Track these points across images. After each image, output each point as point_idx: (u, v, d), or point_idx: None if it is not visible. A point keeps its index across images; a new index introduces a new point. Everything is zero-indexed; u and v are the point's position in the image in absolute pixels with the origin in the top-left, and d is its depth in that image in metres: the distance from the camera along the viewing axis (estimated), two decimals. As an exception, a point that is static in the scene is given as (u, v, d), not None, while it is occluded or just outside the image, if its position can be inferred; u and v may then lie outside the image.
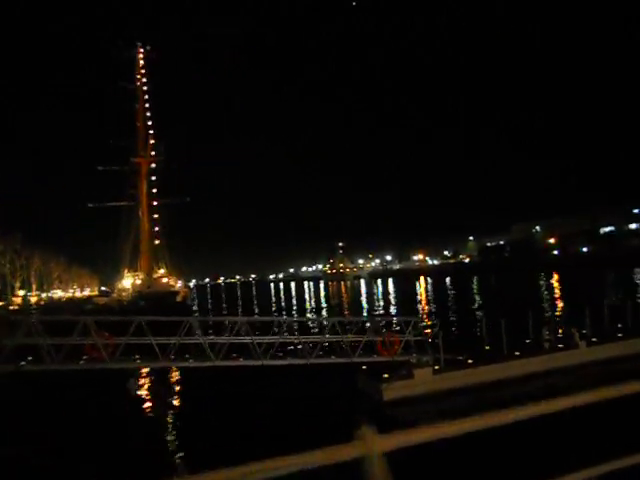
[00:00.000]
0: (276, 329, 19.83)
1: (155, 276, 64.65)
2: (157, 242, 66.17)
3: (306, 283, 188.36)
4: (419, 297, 71.56)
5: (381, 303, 66.07)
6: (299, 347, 19.23)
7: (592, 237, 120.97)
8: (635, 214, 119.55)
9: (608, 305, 23.64)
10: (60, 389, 18.85)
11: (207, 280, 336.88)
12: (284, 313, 59.06)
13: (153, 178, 66.06)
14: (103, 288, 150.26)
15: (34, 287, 72.70)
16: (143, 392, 21.55)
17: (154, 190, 66.51)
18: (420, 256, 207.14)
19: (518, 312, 25.40)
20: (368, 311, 54.65)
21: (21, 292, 70.00)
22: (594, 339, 20.13)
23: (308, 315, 54.13)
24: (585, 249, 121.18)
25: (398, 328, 22.08)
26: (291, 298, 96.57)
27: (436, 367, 17.99)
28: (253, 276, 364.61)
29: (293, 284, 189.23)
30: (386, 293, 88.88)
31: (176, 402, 19.28)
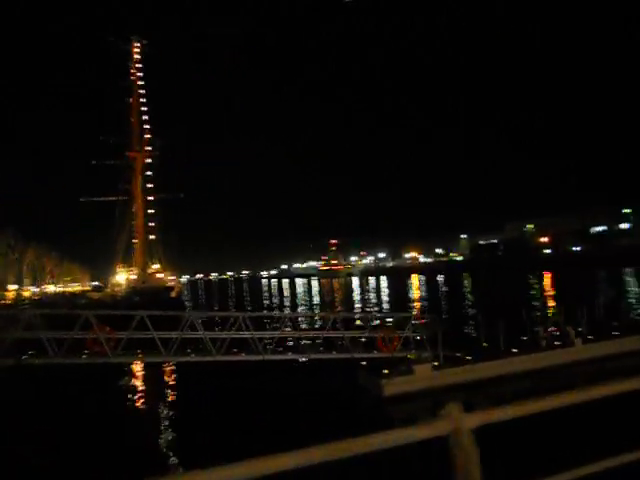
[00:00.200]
0: (277, 324, 19.93)
1: (149, 271, 64.50)
2: (152, 237, 65.98)
3: (298, 280, 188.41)
4: (412, 295, 71.86)
5: (373, 300, 66.27)
6: (302, 342, 19.31)
7: (583, 236, 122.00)
8: (626, 214, 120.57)
9: (603, 303, 23.98)
10: (59, 384, 18.88)
11: (199, 276, 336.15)
12: (275, 309, 59.16)
13: (148, 173, 65.88)
14: (95, 283, 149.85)
15: (27, 282, 72.35)
16: (142, 387, 21.55)
17: (149, 185, 66.33)
18: (413, 254, 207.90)
19: (512, 310, 25.69)
20: (361, 309, 54.80)
21: (12, 287, 69.66)
22: (590, 337, 20.39)
23: (306, 311, 54.15)
24: (576, 248, 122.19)
25: (390, 323, 22.30)
26: (283, 294, 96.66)
27: (435, 363, 18.15)
28: (245, 272, 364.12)
29: (286, 281, 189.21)
30: (378, 290, 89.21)
31: (176, 397, 19.24)
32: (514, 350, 19.30)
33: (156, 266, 67.22)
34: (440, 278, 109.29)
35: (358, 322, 20.38)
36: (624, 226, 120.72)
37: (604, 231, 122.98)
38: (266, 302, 74.54)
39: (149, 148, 64.69)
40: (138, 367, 23.36)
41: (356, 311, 48.62)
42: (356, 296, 77.69)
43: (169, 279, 64.46)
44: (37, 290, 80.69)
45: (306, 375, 19.12)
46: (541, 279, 76.73)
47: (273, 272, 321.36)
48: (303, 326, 22.24)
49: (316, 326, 26.05)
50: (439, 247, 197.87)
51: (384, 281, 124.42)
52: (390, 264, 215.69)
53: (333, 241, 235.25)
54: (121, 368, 22.86)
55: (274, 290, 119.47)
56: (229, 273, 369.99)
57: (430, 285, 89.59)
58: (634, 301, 38.70)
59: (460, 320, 32.89)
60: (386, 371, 17.57)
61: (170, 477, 1.58)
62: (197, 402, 17.61)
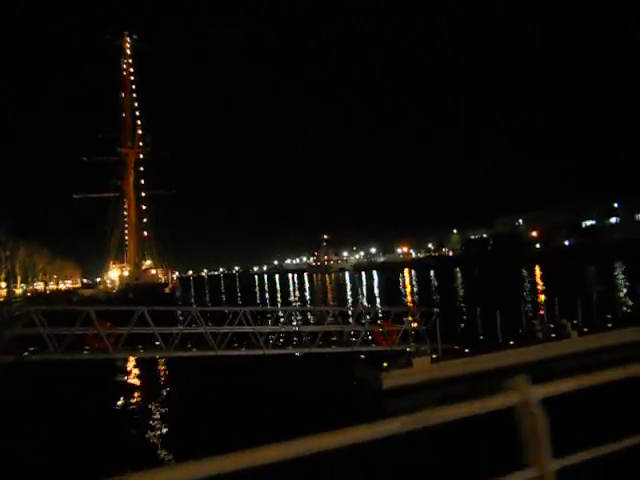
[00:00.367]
0: (282, 319, 20.02)
1: (143, 268, 64.23)
2: (146, 234, 65.69)
3: (290, 275, 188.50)
4: (405, 289, 72.19)
5: (366, 295, 66.51)
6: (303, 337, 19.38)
7: (574, 231, 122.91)
8: (616, 208, 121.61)
9: (596, 296, 24.26)
10: (57, 381, 18.85)
11: (190, 272, 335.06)
12: (267, 305, 59.22)
13: (141, 169, 65.55)
14: (85, 280, 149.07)
15: (19, 279, 71.90)
16: (140, 384, 21.53)
17: (142, 181, 65.96)
18: (404, 249, 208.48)
19: (505, 303, 25.94)
20: (356, 303, 54.98)
21: (2, 284, 69.13)
22: (585, 329, 20.66)
23: (298, 306, 54.25)
24: (567, 242, 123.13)
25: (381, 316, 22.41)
26: (275, 290, 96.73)
27: (434, 356, 18.32)
28: (237, 268, 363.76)
29: (277, 276, 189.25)
30: (370, 285, 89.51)
31: (175, 393, 19.21)
32: (511, 342, 19.52)
33: (148, 262, 66.95)
34: (432, 273, 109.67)
35: (352, 316, 20.44)
36: (614, 220, 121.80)
37: (594, 225, 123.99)
38: (258, 298, 74.69)
39: (141, 144, 64.38)
40: (136, 363, 23.35)
41: (354, 305, 48.80)
42: (348, 291, 77.89)
43: (163, 275, 64.17)
44: (28, 288, 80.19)
45: (305, 369, 19.23)
46: (532, 273, 77.28)
47: (265, 268, 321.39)
48: (301, 321, 22.30)
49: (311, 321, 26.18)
50: (430, 242, 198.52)
51: (376, 276, 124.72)
52: (381, 259, 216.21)
53: (325, 237, 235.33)
54: (118, 364, 22.87)
55: (266, 286, 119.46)
56: (220, 269, 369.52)
57: (422, 280, 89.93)
58: (625, 294, 39.12)
59: (455, 314, 33.13)
60: (385, 364, 17.72)
61: (158, 469, 1.50)
62: (196, 397, 17.64)
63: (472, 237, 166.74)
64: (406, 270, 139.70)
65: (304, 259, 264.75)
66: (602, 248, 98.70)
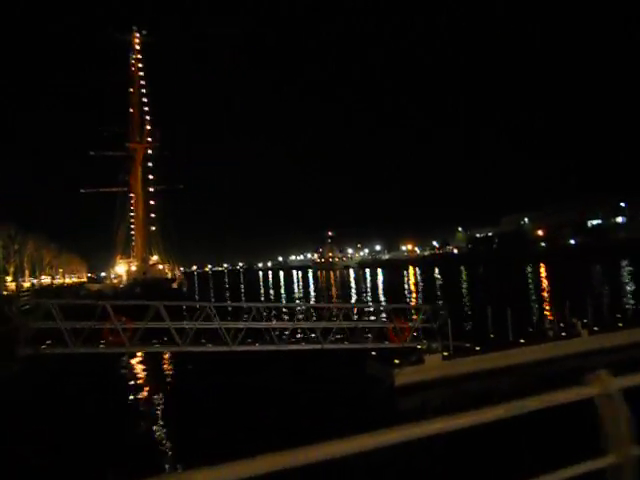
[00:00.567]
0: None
1: (150, 263, 64.49)
2: (153, 229, 65.93)
3: (295, 272, 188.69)
4: (411, 287, 72.24)
5: (371, 292, 66.60)
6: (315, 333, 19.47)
7: (580, 230, 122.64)
8: (622, 207, 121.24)
9: (605, 295, 24.37)
10: (69, 376, 18.99)
11: (194, 268, 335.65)
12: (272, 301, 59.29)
13: (149, 164, 65.70)
14: (89, 274, 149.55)
15: (27, 273, 72.31)
16: (150, 378, 21.62)
17: (150, 177, 66.16)
18: (409, 246, 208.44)
19: (513, 302, 26.00)
20: (365, 300, 55.05)
21: (8, 278, 69.54)
22: (595, 328, 20.72)
23: (304, 302, 54.39)
24: (573, 241, 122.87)
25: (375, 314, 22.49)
26: (279, 286, 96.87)
27: (445, 353, 18.43)
28: (241, 264, 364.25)
29: (281, 273, 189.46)
30: (375, 282, 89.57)
31: (185, 390, 19.15)
32: (522, 341, 19.60)
33: (155, 257, 67.22)
34: (436, 271, 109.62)
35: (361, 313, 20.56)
36: (620, 219, 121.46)
37: (600, 224, 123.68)
38: (262, 295, 74.85)
39: (149, 139, 64.54)
40: (147, 358, 23.47)
41: (367, 302, 48.98)
42: (354, 288, 77.99)
43: (170, 270, 64.42)
44: (35, 282, 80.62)
45: (317, 365, 19.33)
46: (537, 272, 77.22)
47: (269, 264, 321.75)
48: (315, 317, 22.42)
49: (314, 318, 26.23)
50: (435, 240, 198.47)
51: (380, 274, 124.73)
52: (386, 257, 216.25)
53: (329, 233, 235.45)
54: (129, 359, 23.05)
55: (270, 282, 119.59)
56: (225, 265, 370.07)
57: (427, 278, 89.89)
58: (633, 293, 39.08)
59: (464, 312, 33.23)
60: (397, 361, 17.84)
61: (174, 475, 1.60)
62: (208, 393, 17.62)
63: (478, 235, 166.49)
64: (410, 268, 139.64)
65: (308, 255, 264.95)
66: (608, 247, 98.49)
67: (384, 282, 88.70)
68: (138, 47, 66.48)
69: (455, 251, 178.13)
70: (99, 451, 12.88)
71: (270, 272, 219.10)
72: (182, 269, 70.11)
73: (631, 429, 2.04)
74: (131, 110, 66.04)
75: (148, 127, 64.73)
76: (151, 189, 66.07)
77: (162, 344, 17.14)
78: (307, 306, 21.00)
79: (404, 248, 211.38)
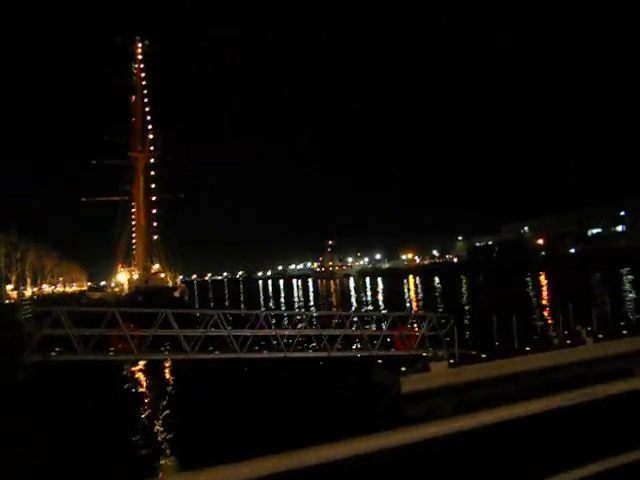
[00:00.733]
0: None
1: (152, 271, 64.57)
2: (155, 237, 66.06)
3: (295, 281, 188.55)
4: (411, 295, 72.25)
5: (372, 301, 66.60)
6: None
7: (580, 238, 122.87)
8: (622, 216, 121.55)
9: (608, 303, 24.44)
10: (74, 382, 19.04)
11: (194, 276, 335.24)
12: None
13: (152, 173, 65.92)
14: (89, 283, 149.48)
15: (28, 281, 72.29)
16: (154, 384, 21.64)
17: (152, 185, 66.35)
18: (409, 255, 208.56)
19: (516, 310, 26.07)
20: (365, 309, 55.06)
21: (9, 287, 69.50)
22: (600, 335, 20.80)
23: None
24: (573, 250, 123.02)
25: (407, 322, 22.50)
26: (280, 295, 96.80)
27: (451, 361, 18.48)
28: (240, 273, 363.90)
29: (281, 282, 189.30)
30: (376, 291, 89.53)
31: (193, 396, 19.25)
32: (527, 348, 19.67)
33: (156, 266, 67.29)
34: (436, 279, 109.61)
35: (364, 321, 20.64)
36: (620, 228, 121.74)
37: (600, 233, 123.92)
38: (262, 304, 74.81)
39: (152, 148, 64.84)
40: (152, 365, 23.48)
41: (372, 310, 49.04)
42: (354, 297, 78.00)
43: (171, 279, 64.52)
44: (35, 290, 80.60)
45: (322, 372, 19.39)
46: (537, 280, 77.28)
47: (269, 273, 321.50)
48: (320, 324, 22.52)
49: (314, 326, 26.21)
50: (435, 249, 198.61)
51: (381, 282, 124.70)
52: (386, 265, 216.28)
53: (330, 242, 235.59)
54: (129, 366, 23.06)
55: (270, 291, 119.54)
56: (224, 274, 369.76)
57: (427, 286, 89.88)
58: (636, 301, 39.17)
59: (468, 320, 33.30)
60: (404, 368, 17.90)
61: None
62: (211, 399, 17.63)
63: (478, 244, 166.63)
64: (410, 277, 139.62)
65: (308, 264, 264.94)
66: (608, 256, 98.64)
67: (384, 291, 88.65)
68: (140, 57, 66.98)
69: (455, 260, 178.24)
70: (102, 454, 12.94)
71: (270, 281, 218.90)
72: (181, 277, 70.08)
73: None
74: (133, 119, 66.39)
75: (150, 136, 65.08)
76: (153, 198, 66.23)
77: (170, 352, 17.19)
78: (313, 314, 21.06)
79: (404, 257, 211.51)
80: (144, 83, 66.87)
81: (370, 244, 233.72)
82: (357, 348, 19.23)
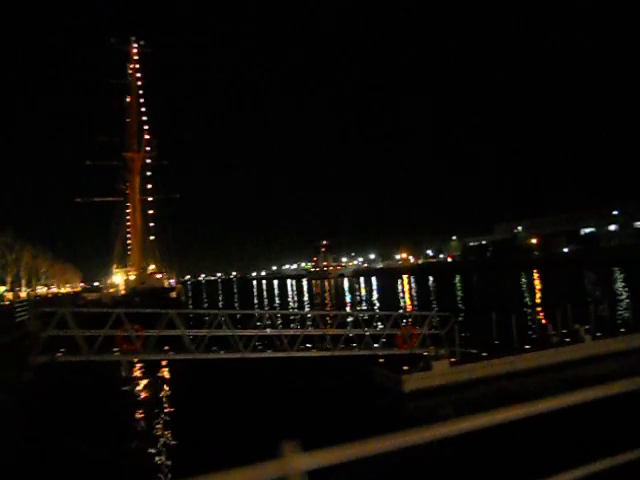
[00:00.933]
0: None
1: (148, 272, 64.42)
2: (152, 238, 65.92)
3: (289, 281, 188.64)
4: (406, 294, 72.51)
5: (368, 300, 66.79)
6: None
7: (573, 238, 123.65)
8: (615, 215, 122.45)
9: (605, 301, 24.73)
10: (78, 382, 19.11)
11: (188, 277, 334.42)
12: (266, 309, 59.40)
13: (148, 174, 65.80)
14: (81, 284, 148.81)
15: (23, 283, 71.88)
16: (157, 385, 21.68)
17: (148, 186, 66.23)
18: (403, 255, 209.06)
19: (511, 309, 26.37)
20: (360, 309, 55.25)
21: (2, 288, 69.10)
22: (598, 334, 21.08)
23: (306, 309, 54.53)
24: (566, 249, 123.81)
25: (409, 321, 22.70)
26: (274, 295, 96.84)
27: (452, 360, 18.69)
28: (234, 273, 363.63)
29: (276, 282, 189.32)
30: (370, 290, 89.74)
31: (192, 396, 19.24)
32: (527, 347, 19.92)
33: (152, 267, 67.15)
34: (430, 279, 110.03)
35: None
36: (612, 227, 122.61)
37: (593, 232, 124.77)
38: (256, 303, 74.89)
39: (148, 148, 64.69)
40: (154, 365, 23.53)
41: (369, 310, 49.21)
42: (349, 296, 78.20)
43: (167, 280, 64.42)
44: (30, 291, 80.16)
45: (324, 372, 19.52)
46: (531, 279, 77.79)
47: (263, 273, 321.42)
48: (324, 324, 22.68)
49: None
50: (429, 249, 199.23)
51: (375, 282, 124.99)
52: (380, 265, 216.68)
53: (324, 242, 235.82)
54: (133, 367, 23.14)
55: (264, 291, 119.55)
56: (218, 274, 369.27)
57: (422, 286, 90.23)
58: (630, 299, 39.56)
59: (465, 318, 33.51)
60: (406, 367, 18.09)
61: None
62: (213, 399, 17.71)
63: (471, 244, 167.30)
64: (405, 276, 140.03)
65: (303, 265, 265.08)
66: (601, 255, 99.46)
67: (379, 290, 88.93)
68: (136, 57, 66.83)
69: (449, 259, 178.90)
70: (105, 456, 13.01)
71: (264, 281, 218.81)
72: (175, 278, 70.03)
73: None
74: (128, 120, 66.20)
75: (147, 137, 64.93)
76: (150, 198, 66.13)
77: (175, 352, 17.29)
78: (315, 314, 21.20)
79: (398, 257, 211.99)
80: (140, 84, 66.70)
81: (364, 244, 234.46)
82: (359, 347, 19.36)
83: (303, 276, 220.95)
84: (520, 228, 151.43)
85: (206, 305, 77.34)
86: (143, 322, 17.38)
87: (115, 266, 69.74)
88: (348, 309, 53.51)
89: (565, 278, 68.72)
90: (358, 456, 1.73)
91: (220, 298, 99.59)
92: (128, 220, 70.50)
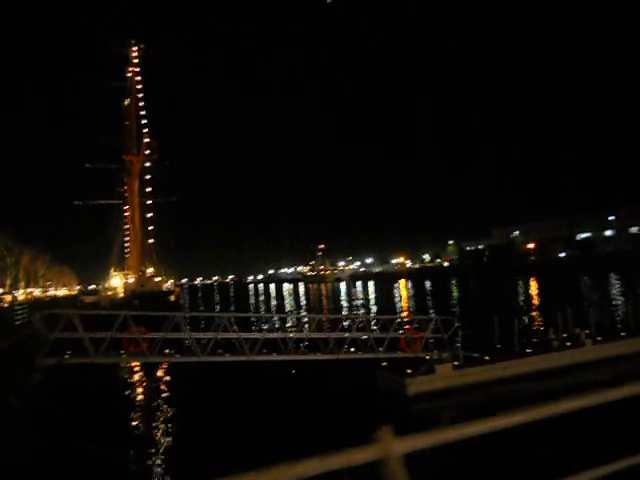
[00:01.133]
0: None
1: (147, 275, 64.41)
2: (151, 241, 65.92)
3: (286, 285, 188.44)
4: (403, 299, 72.62)
5: (366, 305, 66.89)
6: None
7: (569, 243, 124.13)
8: (610, 221, 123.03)
9: (605, 306, 24.99)
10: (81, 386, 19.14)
11: (184, 280, 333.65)
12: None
13: (148, 177, 65.83)
14: (78, 287, 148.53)
15: (22, 285, 71.80)
16: (159, 387, 21.71)
17: (148, 189, 66.25)
18: (400, 259, 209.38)
19: (510, 313, 26.52)
20: (357, 313, 55.32)
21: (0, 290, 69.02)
22: (599, 338, 21.27)
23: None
24: (563, 254, 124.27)
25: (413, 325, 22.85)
26: (270, 299, 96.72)
27: (455, 363, 18.83)
28: (231, 277, 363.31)
29: (272, 286, 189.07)
30: (367, 295, 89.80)
31: (194, 400, 19.23)
32: (528, 351, 20.10)
33: (150, 270, 67.12)
34: (428, 283, 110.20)
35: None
36: (608, 232, 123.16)
37: (589, 238, 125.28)
38: (253, 306, 74.87)
39: (147, 151, 64.72)
40: (157, 368, 23.59)
41: (368, 313, 49.34)
42: (347, 300, 78.26)
43: (166, 283, 64.44)
44: (27, 293, 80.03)
45: (327, 375, 19.64)
46: (528, 284, 78.05)
47: (260, 277, 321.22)
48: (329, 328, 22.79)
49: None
50: (426, 253, 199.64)
51: (372, 286, 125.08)
52: (377, 269, 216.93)
53: (321, 246, 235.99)
54: (138, 369, 23.18)
55: (261, 295, 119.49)
56: (214, 278, 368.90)
57: (419, 290, 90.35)
58: (628, 303, 39.76)
59: (466, 322, 33.64)
60: (409, 371, 18.22)
61: None
62: (216, 403, 17.73)
63: (468, 248, 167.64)
64: (402, 280, 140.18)
65: (299, 268, 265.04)
66: (597, 260, 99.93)
67: (376, 294, 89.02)
68: (136, 60, 66.95)
69: (446, 264, 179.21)
70: (110, 456, 13.10)
71: (261, 285, 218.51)
72: (171, 281, 70.09)
73: None
74: (128, 122, 66.27)
75: (146, 140, 64.97)
76: (149, 201, 66.13)
77: (181, 354, 17.40)
78: (319, 317, 21.34)
79: (395, 261, 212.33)
80: (139, 87, 66.85)
81: (361, 248, 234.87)
82: (363, 350, 19.50)
83: (300, 280, 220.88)
84: (517, 233, 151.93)
85: (201, 309, 77.39)
86: (146, 325, 17.48)
87: (113, 269, 69.70)
88: (345, 312, 53.58)
89: (562, 283, 68.97)
90: (448, 441, 1.87)
91: (217, 301, 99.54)
92: (127, 223, 70.52)
